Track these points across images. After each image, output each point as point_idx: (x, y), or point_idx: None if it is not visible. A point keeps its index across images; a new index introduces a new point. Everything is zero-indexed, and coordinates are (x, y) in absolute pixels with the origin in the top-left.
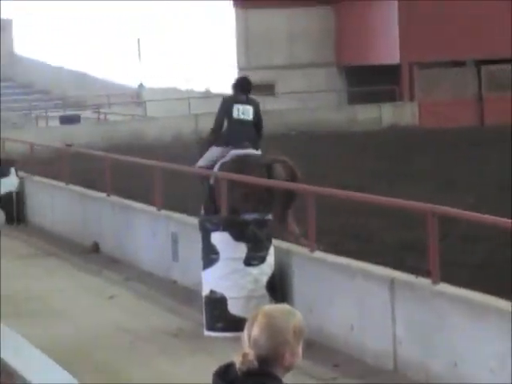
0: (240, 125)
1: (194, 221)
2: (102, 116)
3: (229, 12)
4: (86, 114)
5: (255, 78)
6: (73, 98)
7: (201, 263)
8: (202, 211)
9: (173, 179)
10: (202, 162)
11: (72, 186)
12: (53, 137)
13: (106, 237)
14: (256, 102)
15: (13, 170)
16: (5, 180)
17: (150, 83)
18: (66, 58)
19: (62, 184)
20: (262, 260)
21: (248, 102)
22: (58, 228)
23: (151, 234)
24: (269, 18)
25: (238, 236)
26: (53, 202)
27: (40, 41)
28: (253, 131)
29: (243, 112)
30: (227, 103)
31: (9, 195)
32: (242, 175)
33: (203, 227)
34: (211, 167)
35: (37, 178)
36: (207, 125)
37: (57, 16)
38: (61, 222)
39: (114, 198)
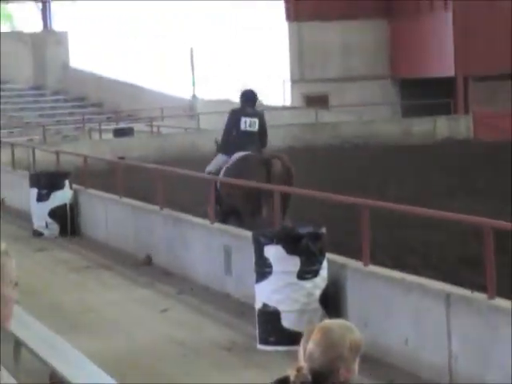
0: (246, 136)
1: (247, 234)
2: (155, 129)
3: (282, 25)
4: (139, 126)
5: (309, 90)
6: (126, 111)
7: (254, 276)
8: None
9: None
10: (209, 168)
11: (125, 199)
12: (106, 150)
13: (159, 250)
14: (261, 114)
15: (67, 182)
16: (59, 192)
17: (203, 95)
18: (120, 70)
19: (115, 197)
20: (316, 274)
21: (254, 114)
22: (111, 241)
23: (204, 247)
24: (322, 31)
25: (292, 249)
26: (106, 215)
27: (94, 53)
28: (257, 141)
29: (250, 124)
30: (236, 116)
31: (63, 208)
32: (247, 179)
33: (256, 240)
34: (218, 173)
35: (90, 191)
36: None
37: (110, 28)
38: (114, 235)
39: (167, 211)
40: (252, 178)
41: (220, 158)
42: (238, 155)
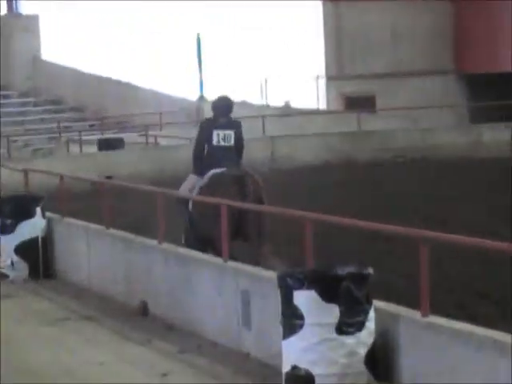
0: (220, 152)
1: (270, 275)
2: (151, 139)
3: (315, 8)
4: (131, 137)
5: (349, 89)
6: (114, 117)
7: (280, 330)
8: (183, 241)
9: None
10: (182, 189)
11: (114, 231)
12: (89, 167)
13: (157, 296)
14: (237, 125)
15: (38, 209)
16: (28, 222)
17: (212, 96)
18: (105, 65)
19: (100, 227)
20: (360, 326)
21: (229, 126)
22: (95, 284)
23: (215, 292)
24: (367, 15)
25: (329, 295)
26: (89, 251)
27: (73, 44)
28: (234, 156)
29: (224, 138)
30: (206, 129)
31: (33, 242)
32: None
33: (283, 283)
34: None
35: (69, 220)
36: (286, 150)
37: (94, 11)
38: (99, 277)
39: (168, 246)
40: (226, 198)
41: (191, 179)
42: (211, 173)
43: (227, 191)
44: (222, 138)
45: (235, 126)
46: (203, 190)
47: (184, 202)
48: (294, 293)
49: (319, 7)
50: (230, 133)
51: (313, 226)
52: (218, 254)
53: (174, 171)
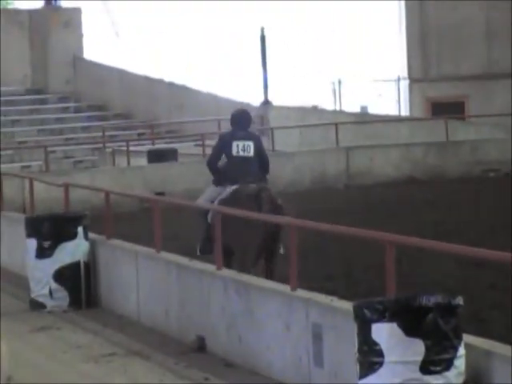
0: (240, 162)
1: (345, 306)
2: (207, 150)
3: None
4: (185, 147)
5: (436, 93)
6: (166, 125)
7: (356, 369)
8: (198, 252)
9: (317, 242)
10: (201, 201)
11: (166, 254)
12: (137, 181)
13: (215, 329)
14: (257, 136)
15: (80, 229)
16: (69, 245)
17: (278, 100)
18: (156, 65)
19: (150, 251)
20: (448, 365)
21: (247, 137)
22: (145, 316)
23: (282, 325)
24: (456, 10)
25: (413, 329)
26: (138, 278)
27: (118, 41)
28: (255, 167)
29: (243, 148)
30: (225, 140)
31: (74, 267)
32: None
33: (360, 315)
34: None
35: (115, 242)
36: (363, 162)
37: (142, 4)
38: (149, 307)
39: (228, 273)
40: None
41: (211, 191)
42: (234, 188)
43: (242, 205)
44: (241, 148)
45: (254, 138)
46: (222, 203)
47: (203, 212)
48: (372, 326)
49: (401, 1)
50: (250, 143)
51: (394, 248)
52: (242, 264)
53: None
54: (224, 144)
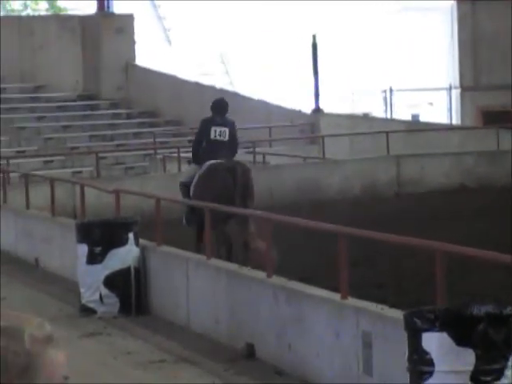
0: (216, 145)
1: (395, 314)
2: (259, 158)
3: (448, 9)
4: (236, 154)
5: (488, 102)
6: None
7: (406, 378)
8: (184, 222)
9: (367, 250)
10: (182, 179)
11: (216, 261)
12: None
13: (265, 336)
14: (231, 123)
15: (131, 235)
16: (119, 251)
17: (329, 108)
18: (208, 71)
19: (201, 257)
20: (498, 375)
21: (224, 123)
22: (194, 322)
23: (332, 333)
24: (508, 18)
25: (463, 338)
26: (188, 284)
27: (167, 48)
28: (228, 150)
29: (219, 133)
30: (206, 125)
31: (125, 273)
32: (216, 186)
33: (410, 324)
34: (191, 183)
35: (165, 249)
36: (414, 171)
37: (193, 9)
38: (199, 314)
39: (278, 280)
40: (220, 185)
41: (192, 168)
42: (208, 163)
43: (221, 179)
44: (218, 133)
45: (229, 124)
46: (201, 178)
47: (186, 187)
48: (422, 335)
49: (453, 8)
50: (225, 130)
51: (445, 257)
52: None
53: (284, 194)
54: (205, 128)
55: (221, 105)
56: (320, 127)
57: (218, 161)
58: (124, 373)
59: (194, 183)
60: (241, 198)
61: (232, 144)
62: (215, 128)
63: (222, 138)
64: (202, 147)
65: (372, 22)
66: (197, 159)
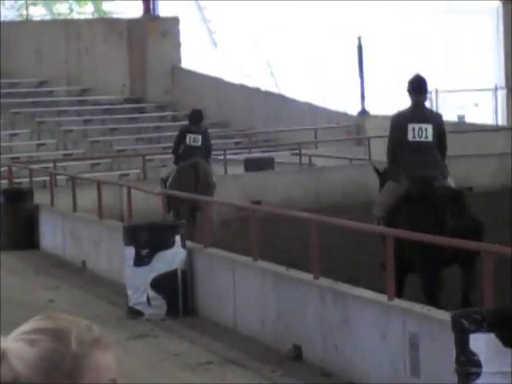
0: (191, 150)
1: (442, 315)
2: (305, 159)
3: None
4: (283, 156)
5: None
6: (263, 133)
7: (454, 379)
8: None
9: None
10: (162, 175)
11: (263, 263)
12: (234, 190)
13: (312, 338)
14: (204, 130)
15: (178, 238)
16: (166, 253)
17: (375, 109)
18: (254, 74)
19: (247, 259)
20: None
21: (198, 131)
22: (241, 324)
23: (379, 334)
24: None
25: (511, 339)
26: (234, 286)
27: (213, 50)
28: (202, 153)
29: (193, 140)
30: (182, 132)
31: (172, 275)
32: (182, 182)
33: (458, 325)
34: (167, 179)
35: (212, 251)
36: (459, 172)
37: (238, 11)
38: (246, 315)
39: (325, 282)
40: (185, 181)
41: (171, 167)
42: (180, 164)
43: (185, 174)
44: (192, 140)
45: (203, 132)
46: (173, 176)
47: (164, 182)
48: (470, 337)
49: (499, 9)
50: (199, 136)
51: (492, 259)
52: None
53: (331, 196)
54: (182, 135)
55: (195, 116)
56: (366, 129)
57: (186, 162)
58: (171, 375)
59: (169, 180)
60: (202, 192)
61: (206, 149)
62: (190, 135)
63: (195, 143)
64: (180, 151)
65: (417, 23)
66: (176, 160)
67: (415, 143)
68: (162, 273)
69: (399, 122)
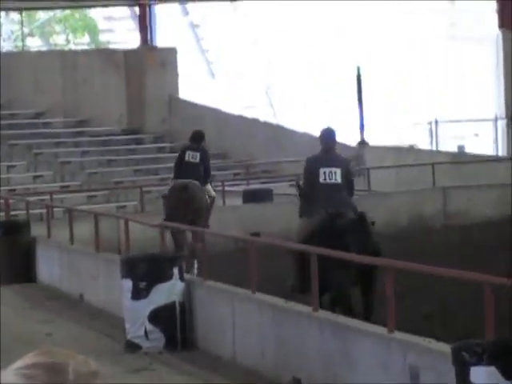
0: (189, 166)
1: (442, 348)
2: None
3: (491, 37)
4: (281, 187)
5: None
6: (261, 165)
7: None
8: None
9: (415, 282)
10: (164, 192)
11: (261, 296)
12: (233, 221)
13: (311, 371)
14: (204, 150)
15: (176, 270)
16: (165, 286)
17: (374, 140)
18: (251, 105)
19: (246, 292)
20: None
21: (197, 149)
22: (241, 357)
23: (380, 366)
24: None
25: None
26: (233, 319)
27: (211, 81)
28: (199, 171)
29: (192, 156)
30: (182, 150)
31: (170, 308)
32: (174, 200)
33: (458, 358)
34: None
35: (210, 283)
36: (460, 203)
37: (234, 43)
38: (245, 348)
39: (323, 314)
40: (174, 199)
41: (171, 184)
42: (174, 183)
43: (175, 196)
44: (191, 156)
45: (202, 150)
46: (168, 193)
47: (165, 198)
48: (471, 369)
49: (498, 38)
50: (197, 154)
51: (494, 290)
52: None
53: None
54: (181, 153)
55: (197, 134)
56: (365, 159)
57: (179, 181)
58: None
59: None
60: (190, 210)
61: (204, 167)
62: (189, 152)
63: (193, 159)
64: (181, 167)
65: (417, 53)
66: (175, 176)
67: (326, 185)
68: (159, 306)
69: (311, 167)
